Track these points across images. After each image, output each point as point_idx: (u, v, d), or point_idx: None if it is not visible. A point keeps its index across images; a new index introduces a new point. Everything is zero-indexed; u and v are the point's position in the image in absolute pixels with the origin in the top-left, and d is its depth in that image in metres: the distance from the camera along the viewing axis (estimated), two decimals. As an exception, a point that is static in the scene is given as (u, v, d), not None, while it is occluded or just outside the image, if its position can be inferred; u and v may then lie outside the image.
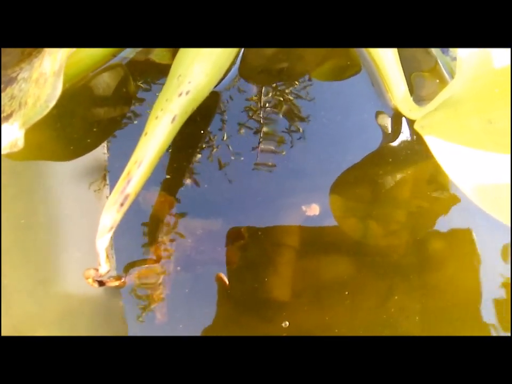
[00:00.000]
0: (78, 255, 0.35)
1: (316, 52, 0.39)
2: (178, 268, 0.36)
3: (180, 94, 0.29)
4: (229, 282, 0.35)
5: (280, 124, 0.37)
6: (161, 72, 0.37)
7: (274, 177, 0.37)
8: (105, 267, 0.26)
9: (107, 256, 0.26)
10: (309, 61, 0.40)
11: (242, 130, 0.37)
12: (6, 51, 0.36)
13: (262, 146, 0.37)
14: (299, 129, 0.37)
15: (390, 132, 0.37)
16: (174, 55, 0.36)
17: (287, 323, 0.34)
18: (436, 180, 0.37)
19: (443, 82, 0.37)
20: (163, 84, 0.33)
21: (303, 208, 0.36)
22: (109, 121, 0.38)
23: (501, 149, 0.23)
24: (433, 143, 0.24)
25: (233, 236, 0.37)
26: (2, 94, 0.33)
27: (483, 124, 0.24)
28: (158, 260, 0.36)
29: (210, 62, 0.31)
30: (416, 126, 0.25)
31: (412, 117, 0.32)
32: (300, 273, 0.36)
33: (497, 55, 0.26)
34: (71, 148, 0.38)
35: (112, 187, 0.36)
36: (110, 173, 0.38)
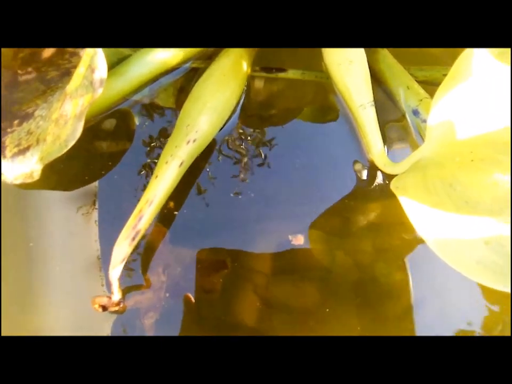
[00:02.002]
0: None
1: (299, 99, 0.44)
2: (167, 295, 0.39)
3: (188, 142, 0.33)
4: (202, 307, 0.39)
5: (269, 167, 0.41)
6: (164, 114, 0.41)
7: (255, 208, 0.41)
8: (117, 295, 0.29)
9: (119, 285, 0.29)
10: (293, 108, 0.44)
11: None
12: (21, 87, 0.39)
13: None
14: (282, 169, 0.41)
15: (364, 178, 0.42)
16: (177, 100, 0.40)
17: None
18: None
19: (411, 137, 0.42)
20: (165, 126, 0.37)
21: (290, 237, 0.40)
22: (108, 156, 0.41)
23: (460, 210, 0.28)
24: (405, 202, 0.29)
25: (218, 265, 0.41)
26: (18, 129, 0.36)
27: (445, 187, 0.29)
28: (150, 287, 0.39)
29: (215, 114, 0.35)
30: (391, 187, 0.30)
31: (386, 171, 0.37)
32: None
33: (460, 128, 0.31)
34: (71, 179, 0.41)
35: (101, 212, 0.40)
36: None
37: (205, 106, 0.34)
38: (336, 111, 0.42)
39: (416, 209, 0.28)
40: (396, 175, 0.34)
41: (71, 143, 0.32)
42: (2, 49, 0.41)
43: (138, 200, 0.35)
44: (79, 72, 0.33)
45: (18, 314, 0.40)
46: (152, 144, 0.40)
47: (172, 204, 0.40)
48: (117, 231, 0.37)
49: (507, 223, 0.28)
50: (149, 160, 0.39)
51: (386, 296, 0.40)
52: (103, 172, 0.41)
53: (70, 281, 0.40)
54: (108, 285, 0.35)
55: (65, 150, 0.32)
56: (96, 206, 0.41)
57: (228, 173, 0.40)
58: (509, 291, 0.26)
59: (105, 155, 0.41)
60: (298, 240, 0.39)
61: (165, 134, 0.40)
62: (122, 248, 0.30)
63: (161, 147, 0.40)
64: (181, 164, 0.33)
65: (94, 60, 0.32)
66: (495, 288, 0.27)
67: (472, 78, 0.30)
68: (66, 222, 0.42)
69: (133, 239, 0.30)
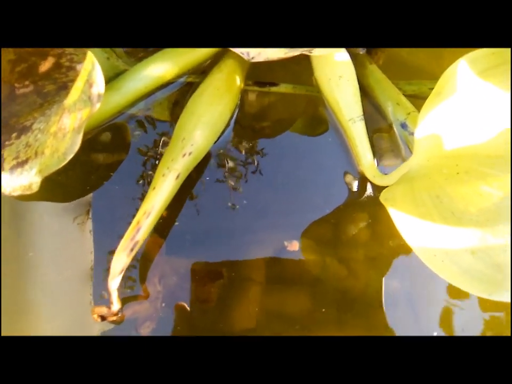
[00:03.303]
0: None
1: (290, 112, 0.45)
2: (163, 304, 0.40)
3: (184, 155, 0.34)
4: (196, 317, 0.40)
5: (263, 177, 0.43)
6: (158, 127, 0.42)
7: (247, 218, 0.42)
8: (116, 305, 0.30)
9: (118, 296, 0.30)
10: (285, 120, 0.46)
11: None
12: (18, 100, 0.39)
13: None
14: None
15: (355, 189, 0.43)
16: (171, 114, 0.41)
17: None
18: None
19: (399, 149, 0.43)
20: (159, 138, 0.38)
21: (285, 243, 0.41)
22: (104, 168, 0.42)
23: (447, 221, 0.29)
24: (394, 213, 0.30)
25: (214, 275, 0.42)
26: (16, 142, 0.36)
27: (432, 198, 0.30)
28: (147, 297, 0.39)
29: (209, 127, 0.36)
30: (381, 199, 0.31)
31: (375, 182, 0.38)
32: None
33: (446, 141, 0.32)
34: (67, 189, 0.42)
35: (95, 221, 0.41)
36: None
37: (199, 121, 0.35)
38: (327, 123, 0.44)
39: (404, 220, 0.29)
40: (386, 186, 0.35)
41: (70, 156, 0.33)
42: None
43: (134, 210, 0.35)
44: (77, 86, 0.34)
45: (15, 319, 0.40)
46: (147, 157, 0.41)
47: (165, 213, 0.40)
48: (111, 240, 0.38)
49: (492, 234, 0.29)
50: (143, 172, 0.40)
51: (375, 305, 0.41)
52: (98, 183, 0.42)
53: (65, 289, 0.40)
54: (96, 295, 0.36)
55: (64, 163, 0.33)
56: (91, 216, 0.42)
57: (221, 184, 0.41)
58: (496, 299, 0.28)
59: (101, 167, 0.42)
60: (293, 246, 0.40)
61: (159, 147, 0.40)
62: (121, 259, 0.31)
63: (155, 159, 0.40)
64: (177, 176, 0.34)
65: (91, 74, 0.33)
66: (482, 297, 0.28)
67: (457, 93, 0.31)
68: (61, 231, 0.43)
69: (131, 250, 0.31)
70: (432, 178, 0.31)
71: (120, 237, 0.35)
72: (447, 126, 0.32)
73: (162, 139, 0.41)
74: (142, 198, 0.39)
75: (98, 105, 0.32)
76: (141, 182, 0.40)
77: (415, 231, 0.29)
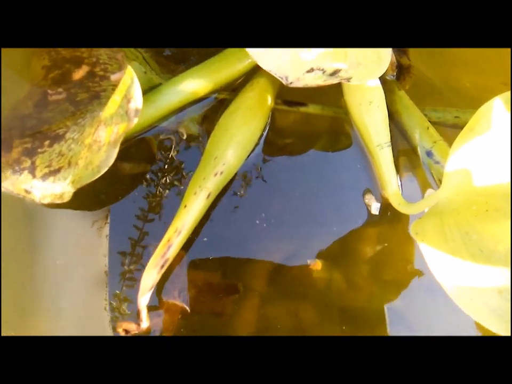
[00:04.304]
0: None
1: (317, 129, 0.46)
2: (180, 316, 0.40)
3: (215, 174, 0.34)
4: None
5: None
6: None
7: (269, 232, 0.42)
8: (146, 323, 0.30)
9: (147, 313, 0.30)
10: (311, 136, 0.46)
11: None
12: (50, 107, 0.40)
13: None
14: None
15: (374, 212, 0.43)
16: (201, 128, 0.41)
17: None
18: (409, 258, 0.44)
19: (423, 175, 0.44)
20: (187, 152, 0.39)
21: (309, 261, 0.41)
22: (130, 177, 0.42)
23: (475, 258, 0.29)
24: (424, 248, 0.30)
25: (230, 290, 0.42)
26: (49, 150, 0.37)
27: (462, 235, 0.31)
28: (166, 308, 0.40)
29: (241, 147, 0.36)
30: (411, 233, 0.32)
31: (400, 209, 0.38)
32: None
33: (476, 178, 0.33)
34: (90, 195, 0.42)
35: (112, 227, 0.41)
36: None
37: (232, 140, 0.36)
38: (351, 140, 0.44)
39: (434, 255, 0.30)
40: (410, 215, 0.36)
41: (104, 169, 0.33)
42: (32, 67, 0.42)
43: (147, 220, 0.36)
44: (115, 100, 0.34)
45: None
46: (171, 170, 0.42)
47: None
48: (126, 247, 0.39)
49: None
50: (165, 183, 0.41)
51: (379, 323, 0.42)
52: (121, 192, 0.42)
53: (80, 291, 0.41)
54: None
55: (97, 176, 0.33)
56: (108, 221, 0.43)
57: (243, 199, 0.42)
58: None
59: (126, 177, 0.42)
60: (317, 266, 0.40)
61: (185, 161, 0.41)
62: (151, 275, 0.31)
63: (179, 172, 0.41)
64: (209, 195, 0.34)
65: (130, 90, 0.33)
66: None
67: (490, 131, 0.32)
68: (79, 236, 0.44)
69: (162, 267, 0.31)
70: (461, 214, 0.32)
71: (136, 243, 0.36)
72: (478, 163, 0.32)
73: (189, 154, 0.41)
74: (160, 208, 0.40)
75: (135, 121, 0.33)
76: (161, 192, 0.41)
77: (444, 266, 0.29)
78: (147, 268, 0.32)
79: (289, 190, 0.43)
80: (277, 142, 0.44)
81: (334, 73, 0.32)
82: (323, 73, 0.32)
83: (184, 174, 0.41)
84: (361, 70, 0.33)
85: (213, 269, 0.42)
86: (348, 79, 0.32)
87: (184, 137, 0.41)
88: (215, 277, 0.42)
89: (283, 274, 0.42)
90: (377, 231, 0.44)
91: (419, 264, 0.42)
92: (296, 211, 0.43)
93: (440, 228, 0.31)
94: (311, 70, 0.32)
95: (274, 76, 0.31)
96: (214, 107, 0.41)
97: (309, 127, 0.45)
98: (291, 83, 0.32)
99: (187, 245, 0.41)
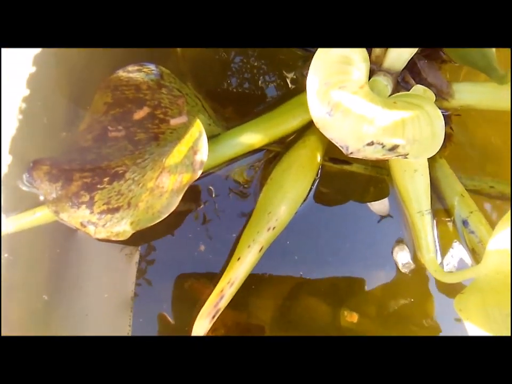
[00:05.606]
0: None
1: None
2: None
3: (268, 229, 0.36)
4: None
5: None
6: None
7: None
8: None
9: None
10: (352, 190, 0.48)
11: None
12: (109, 143, 0.41)
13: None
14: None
15: (403, 269, 0.45)
16: (249, 179, 0.43)
17: None
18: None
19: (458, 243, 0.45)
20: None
21: (345, 313, 0.43)
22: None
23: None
24: (469, 327, 0.32)
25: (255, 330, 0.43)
26: (108, 187, 0.38)
27: (502, 316, 0.32)
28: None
29: (293, 203, 0.38)
30: (456, 308, 0.33)
31: (436, 276, 0.40)
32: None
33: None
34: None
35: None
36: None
37: (285, 196, 0.37)
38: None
39: (479, 334, 0.31)
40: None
41: (165, 215, 0.34)
42: (94, 102, 0.44)
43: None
44: (181, 150, 0.35)
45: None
46: (213, 214, 0.43)
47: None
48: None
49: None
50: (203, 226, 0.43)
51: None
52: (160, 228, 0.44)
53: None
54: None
55: (158, 220, 0.34)
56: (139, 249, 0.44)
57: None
58: None
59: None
60: (353, 318, 0.42)
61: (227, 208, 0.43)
62: (203, 324, 0.32)
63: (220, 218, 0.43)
64: (261, 249, 0.35)
65: (197, 142, 0.35)
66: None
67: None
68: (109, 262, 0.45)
69: (213, 317, 0.33)
70: (502, 294, 0.33)
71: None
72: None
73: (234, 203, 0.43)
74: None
75: (199, 173, 0.34)
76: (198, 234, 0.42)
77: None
78: (199, 317, 0.33)
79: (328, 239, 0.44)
80: (323, 195, 0.46)
81: (393, 148, 0.33)
82: (382, 147, 0.33)
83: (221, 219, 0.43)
84: (416, 147, 0.34)
85: (241, 309, 0.43)
86: (405, 155, 0.33)
87: (232, 185, 0.43)
88: (242, 316, 0.43)
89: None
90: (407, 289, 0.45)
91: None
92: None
93: (483, 307, 0.32)
94: (371, 144, 0.33)
95: (335, 144, 0.33)
96: (265, 159, 0.43)
97: (352, 182, 0.47)
98: (351, 153, 0.33)
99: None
